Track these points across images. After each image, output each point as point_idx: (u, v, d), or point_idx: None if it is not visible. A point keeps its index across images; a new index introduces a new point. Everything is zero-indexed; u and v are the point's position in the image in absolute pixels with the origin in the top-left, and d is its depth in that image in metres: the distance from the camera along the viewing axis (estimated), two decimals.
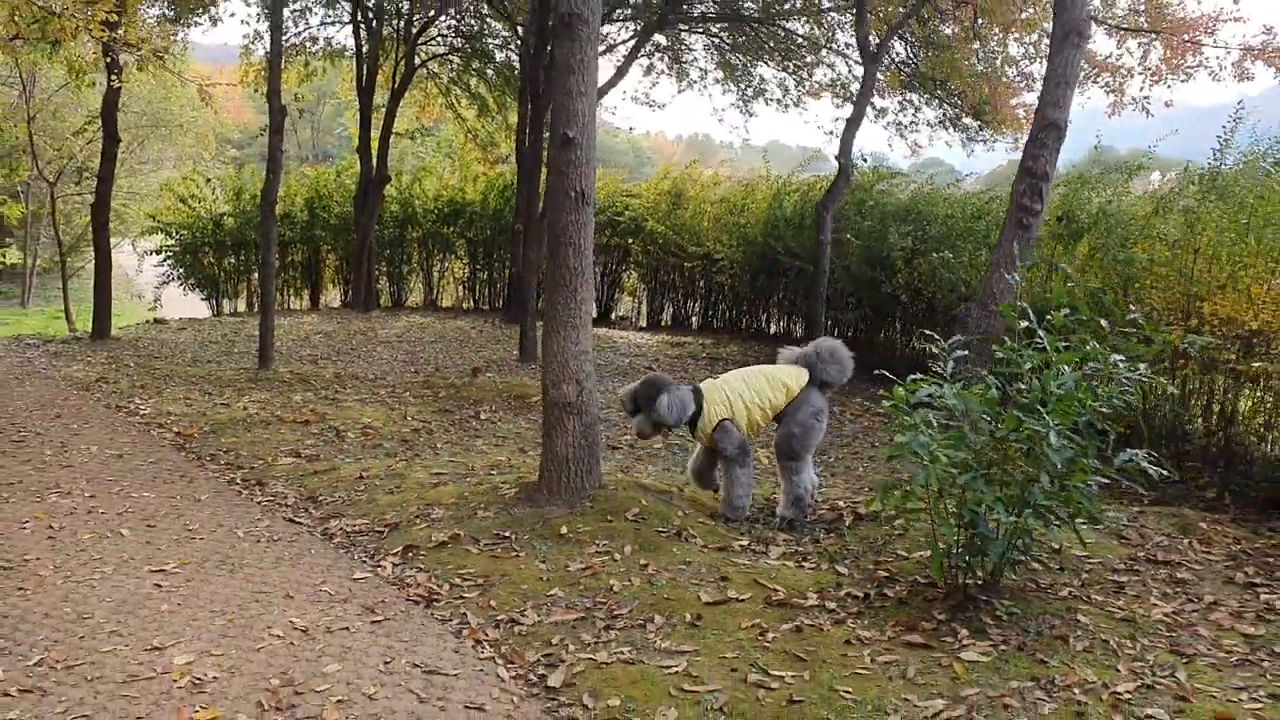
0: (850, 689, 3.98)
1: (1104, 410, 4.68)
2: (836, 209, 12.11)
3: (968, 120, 13.93)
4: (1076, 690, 3.94)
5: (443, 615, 4.81)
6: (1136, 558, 5.42)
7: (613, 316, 19.19)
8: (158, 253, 19.19)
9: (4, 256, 28.13)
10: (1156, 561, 5.37)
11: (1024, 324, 4.90)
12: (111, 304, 14.31)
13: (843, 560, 5.41)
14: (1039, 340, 4.78)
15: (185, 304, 19.94)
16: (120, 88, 13.63)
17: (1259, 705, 3.82)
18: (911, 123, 14.67)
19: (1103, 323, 4.94)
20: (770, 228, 14.91)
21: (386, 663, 4.24)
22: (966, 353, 4.96)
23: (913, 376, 4.64)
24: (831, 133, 12.47)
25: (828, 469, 8.04)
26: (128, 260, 26.95)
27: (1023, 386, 4.64)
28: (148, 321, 16.97)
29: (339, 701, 3.88)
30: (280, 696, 3.91)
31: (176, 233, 18.78)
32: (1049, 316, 4.78)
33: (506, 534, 5.72)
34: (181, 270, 19.04)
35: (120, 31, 11.50)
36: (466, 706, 3.90)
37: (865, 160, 14.00)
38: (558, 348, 6.03)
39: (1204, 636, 4.46)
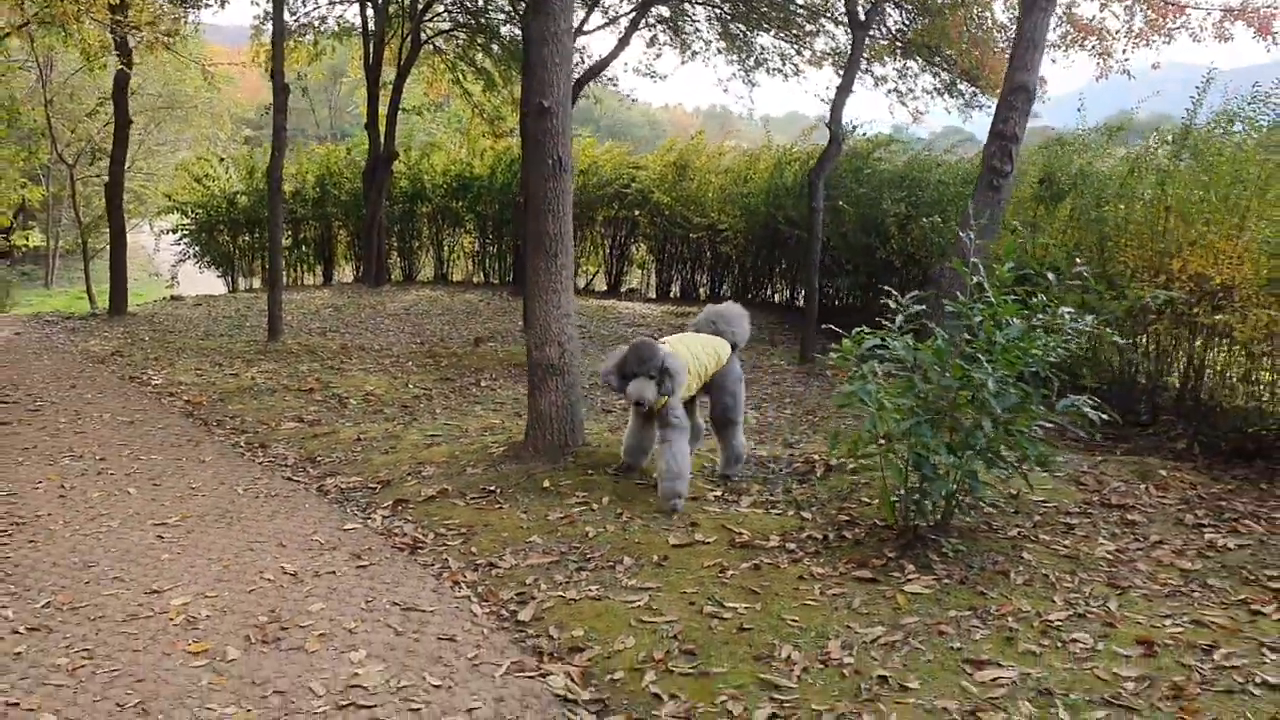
0: (798, 618, 4.25)
1: (1050, 360, 4.91)
2: (828, 176, 12.29)
3: (962, 86, 14.06)
4: (1010, 619, 4.20)
5: (425, 561, 5.11)
6: (1091, 502, 5.66)
7: (622, 288, 19.42)
8: (174, 232, 19.57)
9: (27, 239, 28.61)
10: (1110, 505, 5.61)
11: (975, 279, 5.13)
12: (127, 281, 14.68)
13: (809, 508, 5.67)
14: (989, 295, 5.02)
15: (202, 281, 20.32)
16: (130, 70, 13.93)
17: (1180, 630, 4.07)
18: (909, 90, 14.79)
19: (1050, 276, 5.17)
20: (772, 197, 15.10)
21: (368, 601, 4.54)
22: (924, 307, 5.20)
23: (859, 329, 4.88)
24: (826, 101, 12.61)
25: (811, 427, 8.29)
26: (146, 240, 27.40)
27: (968, 337, 4.87)
28: (164, 298, 17.36)
29: (320, 635, 4.19)
30: (267, 631, 4.21)
31: (192, 212, 19.14)
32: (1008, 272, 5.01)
33: (492, 488, 6.02)
34: (197, 248, 19.41)
35: (128, 14, 11.80)
36: (439, 638, 4.20)
37: (856, 128, 14.16)
38: (540, 312, 6.30)
39: (1141, 571, 4.70)
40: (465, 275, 20.50)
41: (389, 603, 4.53)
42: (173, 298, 17.22)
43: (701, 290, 18.24)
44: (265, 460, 6.94)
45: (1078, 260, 5.56)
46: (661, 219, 17.45)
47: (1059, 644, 3.97)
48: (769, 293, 16.96)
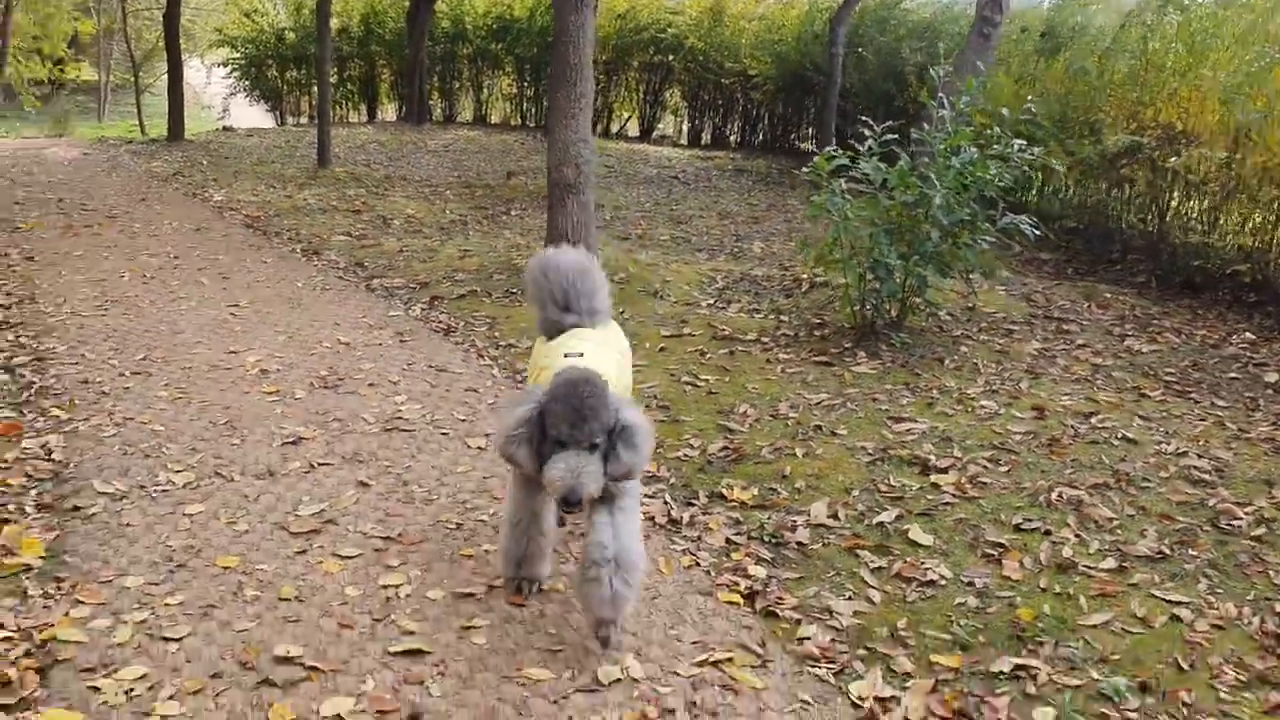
0: (758, 387, 5.15)
1: (999, 184, 5.66)
2: (853, 25, 12.72)
3: None
4: (935, 392, 5.08)
5: (456, 340, 6.05)
6: (1036, 315, 6.48)
7: (654, 134, 19.94)
8: (224, 65, 20.24)
9: (79, 72, 29.30)
10: (1052, 317, 6.42)
11: (941, 112, 5.85)
12: (184, 109, 15.48)
13: (788, 314, 6.52)
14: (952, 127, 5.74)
15: (251, 116, 21.06)
16: None
17: (1071, 403, 4.94)
18: None
19: (1003, 111, 5.87)
20: (802, 45, 15.49)
21: (408, 364, 5.49)
22: (895, 135, 5.92)
23: (831, 148, 5.64)
24: None
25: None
26: (196, 76, 27.97)
27: (926, 160, 5.62)
28: (217, 129, 18.17)
29: (370, 385, 5.15)
30: (327, 380, 5.17)
31: (241, 46, 19.76)
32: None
33: (514, 291, 6.91)
34: (247, 83, 20.10)
35: None
36: (466, 389, 5.15)
37: None
38: (560, 135, 7.05)
39: (1058, 364, 5.55)
40: (504, 117, 21.07)
41: (426, 365, 5.48)
42: (225, 129, 18.02)
43: (732, 138, 18.75)
44: (319, 264, 7.86)
45: (1029, 100, 6.21)
46: (695, 65, 17.86)
47: (969, 409, 4.86)
48: (795, 140, 17.47)
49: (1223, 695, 2.84)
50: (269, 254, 8.09)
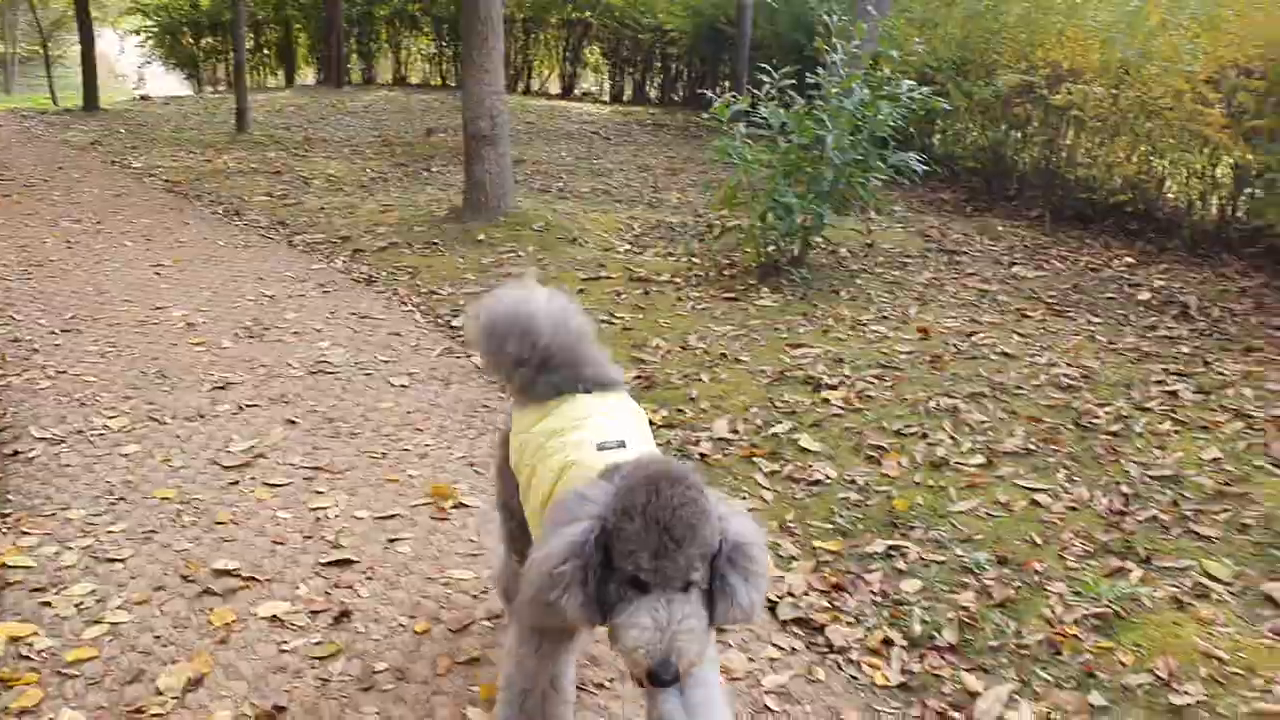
0: (670, 323, 5.45)
1: (890, 124, 5.99)
2: None
3: None
4: (830, 320, 5.42)
5: (379, 290, 6.26)
6: (931, 248, 6.85)
7: (576, 91, 20.06)
8: (138, 34, 19.93)
9: None
10: (945, 250, 6.80)
11: (834, 57, 6.15)
12: (97, 79, 15.29)
13: (701, 257, 6.82)
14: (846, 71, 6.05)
15: (167, 85, 20.78)
16: None
17: (956, 324, 5.32)
18: None
19: (893, 54, 6.19)
20: None
21: (331, 313, 5.70)
22: (794, 81, 6.22)
23: (729, 94, 5.92)
24: None
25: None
26: (109, 46, 27.41)
27: (820, 103, 5.93)
28: (133, 98, 17.94)
29: (295, 333, 5.35)
30: (252, 330, 5.37)
31: (155, 14, 19.47)
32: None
33: (435, 241, 7.12)
34: (161, 51, 19.83)
35: None
36: (388, 334, 5.38)
37: None
38: (474, 87, 7.25)
39: (948, 291, 5.93)
40: (424, 78, 21.04)
41: (348, 313, 5.69)
42: (142, 97, 17.80)
43: (652, 93, 18.94)
44: (241, 224, 7.98)
45: (917, 40, 6.54)
46: (613, 21, 18.00)
47: (860, 334, 5.21)
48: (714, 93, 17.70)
49: (1070, 564, 3.22)
50: (191, 216, 8.19)
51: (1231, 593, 3.05)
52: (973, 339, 5.08)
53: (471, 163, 7.37)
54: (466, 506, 3.53)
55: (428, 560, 3.20)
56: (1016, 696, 2.61)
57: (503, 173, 7.40)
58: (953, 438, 4.05)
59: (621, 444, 2.14)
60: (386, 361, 4.97)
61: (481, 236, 7.10)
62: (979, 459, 3.87)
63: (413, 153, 11.52)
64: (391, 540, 3.31)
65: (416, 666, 2.69)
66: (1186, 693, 2.60)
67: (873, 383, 4.58)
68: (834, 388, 4.51)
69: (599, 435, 2.17)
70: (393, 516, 3.48)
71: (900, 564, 3.22)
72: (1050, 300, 5.80)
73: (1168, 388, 4.45)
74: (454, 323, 5.58)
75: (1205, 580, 3.08)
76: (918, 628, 2.89)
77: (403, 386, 4.64)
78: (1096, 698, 2.60)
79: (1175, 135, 7.14)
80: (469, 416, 4.34)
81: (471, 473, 3.80)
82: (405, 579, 3.09)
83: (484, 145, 7.28)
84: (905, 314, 5.49)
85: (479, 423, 4.27)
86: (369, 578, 3.09)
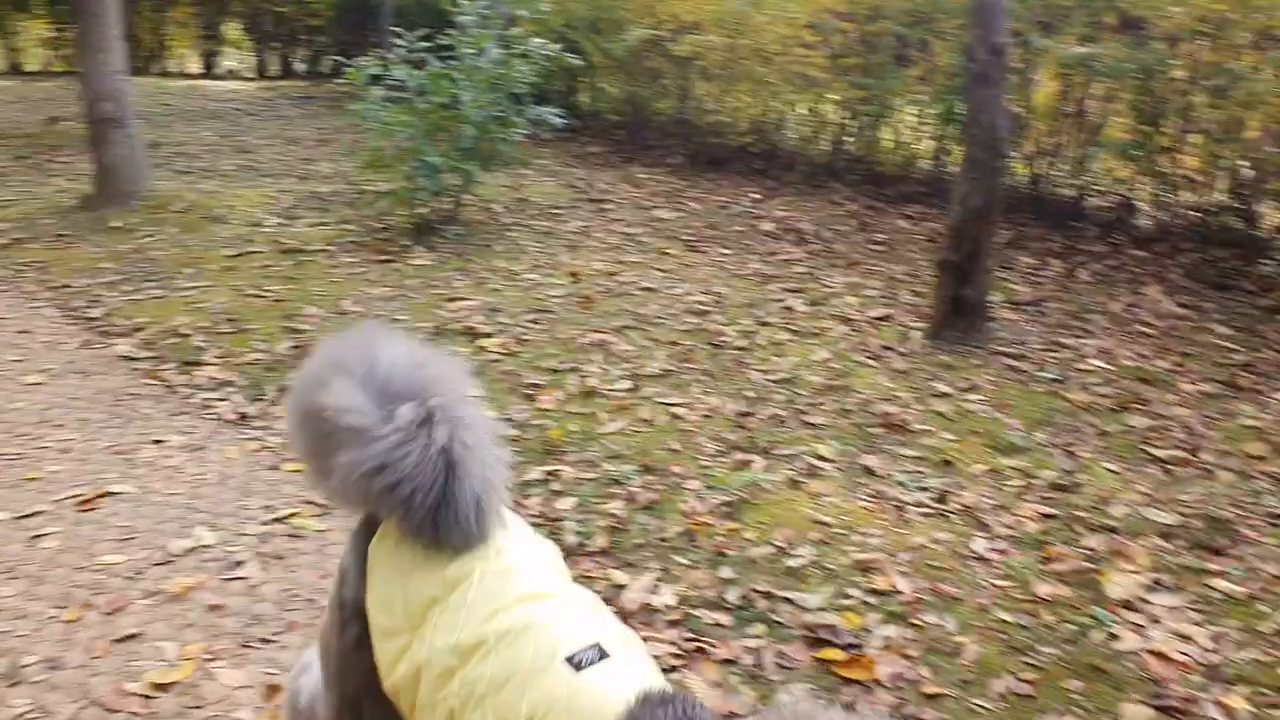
0: (323, 290, 5.43)
1: (525, 81, 6.19)
2: None
3: None
4: (486, 273, 5.59)
5: (2, 289, 5.81)
6: (580, 199, 7.16)
7: (218, 70, 19.05)
8: None
9: None
10: (593, 200, 7.14)
11: (462, 17, 6.26)
12: None
13: (353, 223, 6.78)
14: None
15: None
16: None
17: (602, 265, 5.63)
18: None
19: (523, 13, 6.40)
20: None
21: None
22: (429, 43, 6.27)
23: (361, 58, 5.93)
24: None
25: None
26: None
27: (455, 63, 6.04)
28: None
29: None
30: None
31: None
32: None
33: (65, 232, 6.66)
34: None
35: None
36: (17, 332, 5.03)
37: None
38: (93, 70, 6.80)
39: (595, 237, 6.25)
40: (44, 64, 19.27)
41: None
42: None
43: (299, 66, 18.31)
44: None
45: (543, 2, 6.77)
46: None
47: (515, 284, 5.42)
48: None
49: (704, 463, 3.57)
50: None
51: (838, 469, 3.51)
52: (618, 278, 5.41)
53: (100, 147, 6.92)
54: (115, 494, 3.43)
55: (77, 551, 3.10)
56: (659, 583, 2.91)
57: (134, 155, 7.01)
58: (603, 369, 4.33)
59: (602, 654, 1.42)
60: (16, 360, 4.65)
61: (118, 223, 6.71)
62: (626, 384, 4.18)
63: (36, 143, 10.60)
64: (35, 537, 3.17)
65: (70, 654, 2.63)
66: (799, 555, 2.99)
67: (528, 327, 4.80)
68: (490, 336, 4.69)
69: (569, 641, 1.42)
70: (35, 514, 3.33)
71: (556, 486, 3.45)
72: (687, 238, 6.24)
73: (785, 304, 4.96)
74: (91, 314, 5.29)
75: (815, 461, 3.52)
76: (572, 539, 3.13)
77: (37, 384, 4.38)
78: (726, 572, 2.94)
79: (787, 79, 7.80)
80: (114, 406, 4.18)
81: (120, 461, 3.69)
82: (53, 573, 2.99)
83: (110, 128, 6.86)
84: (557, 261, 5.75)
85: (125, 410, 4.13)
86: (12, 577, 2.96)
